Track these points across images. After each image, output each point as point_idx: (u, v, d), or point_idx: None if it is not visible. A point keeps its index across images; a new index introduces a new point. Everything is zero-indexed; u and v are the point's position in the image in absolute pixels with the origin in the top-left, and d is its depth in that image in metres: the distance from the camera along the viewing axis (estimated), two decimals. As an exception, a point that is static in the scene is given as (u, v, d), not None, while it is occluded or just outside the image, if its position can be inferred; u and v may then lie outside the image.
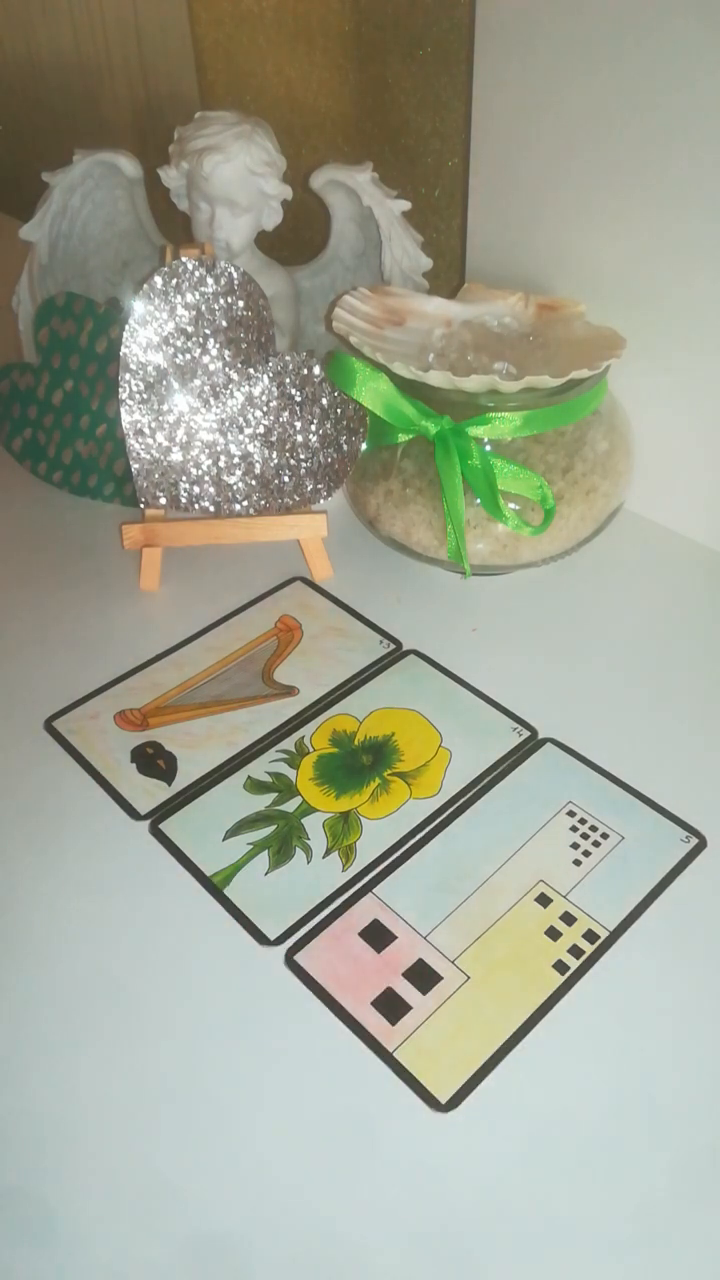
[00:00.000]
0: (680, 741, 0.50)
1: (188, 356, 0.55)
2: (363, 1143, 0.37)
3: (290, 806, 0.48)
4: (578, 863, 0.45)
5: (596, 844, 0.46)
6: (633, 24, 0.51)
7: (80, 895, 0.45)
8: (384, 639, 0.56)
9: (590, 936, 0.42)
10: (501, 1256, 0.34)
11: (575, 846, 0.46)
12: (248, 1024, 0.40)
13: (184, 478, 0.58)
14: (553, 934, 0.43)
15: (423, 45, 0.68)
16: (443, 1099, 0.38)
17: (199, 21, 0.80)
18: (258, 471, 0.58)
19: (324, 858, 0.46)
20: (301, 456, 0.57)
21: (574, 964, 0.41)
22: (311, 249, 0.71)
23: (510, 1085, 0.38)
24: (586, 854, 0.45)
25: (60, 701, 0.53)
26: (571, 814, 0.47)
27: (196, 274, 0.54)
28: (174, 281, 0.54)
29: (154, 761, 0.50)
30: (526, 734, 0.51)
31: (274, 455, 0.57)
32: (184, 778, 0.49)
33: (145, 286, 0.54)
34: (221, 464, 0.57)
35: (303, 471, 0.58)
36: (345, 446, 0.57)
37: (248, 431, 0.57)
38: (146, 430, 0.57)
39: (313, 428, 0.57)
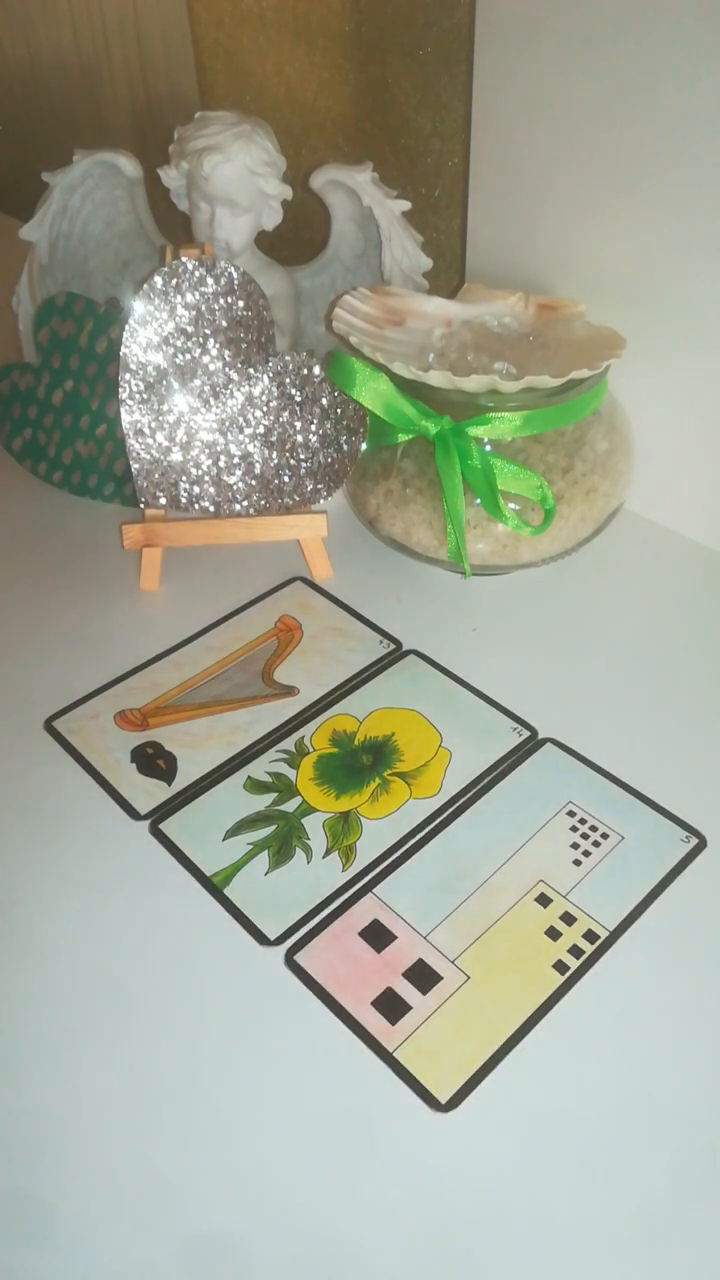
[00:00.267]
0: (680, 741, 0.50)
1: (188, 356, 0.55)
2: (363, 1143, 0.37)
3: (290, 806, 0.48)
4: (578, 863, 0.45)
5: (596, 844, 0.46)
6: (632, 24, 0.51)
7: (80, 895, 0.45)
8: (384, 639, 0.56)
9: (590, 936, 0.42)
10: (501, 1256, 0.34)
11: (575, 846, 0.46)
12: (248, 1024, 0.40)
13: (184, 478, 0.58)
14: (553, 934, 0.43)
15: (423, 45, 0.68)
16: (443, 1099, 0.38)
17: (199, 21, 0.80)
18: (258, 471, 0.58)
19: (324, 858, 0.46)
20: (301, 456, 0.57)
21: (574, 964, 0.41)
22: (311, 249, 0.71)
23: (510, 1085, 0.38)
24: (586, 854, 0.45)
25: (60, 701, 0.53)
26: (571, 814, 0.47)
27: (196, 274, 0.54)
28: (174, 281, 0.54)
29: (154, 761, 0.50)
30: (526, 734, 0.51)
31: (274, 455, 0.57)
32: (184, 778, 0.49)
33: (145, 286, 0.54)
34: (221, 464, 0.57)
35: (303, 471, 0.58)
36: (345, 446, 0.57)
37: (248, 431, 0.57)
38: (146, 430, 0.57)
39: (313, 428, 0.57)
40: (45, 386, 0.64)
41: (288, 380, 0.56)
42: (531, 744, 0.50)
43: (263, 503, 0.58)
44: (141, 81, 0.86)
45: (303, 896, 0.44)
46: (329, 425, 0.57)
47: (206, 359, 0.56)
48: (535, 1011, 0.40)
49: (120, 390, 0.56)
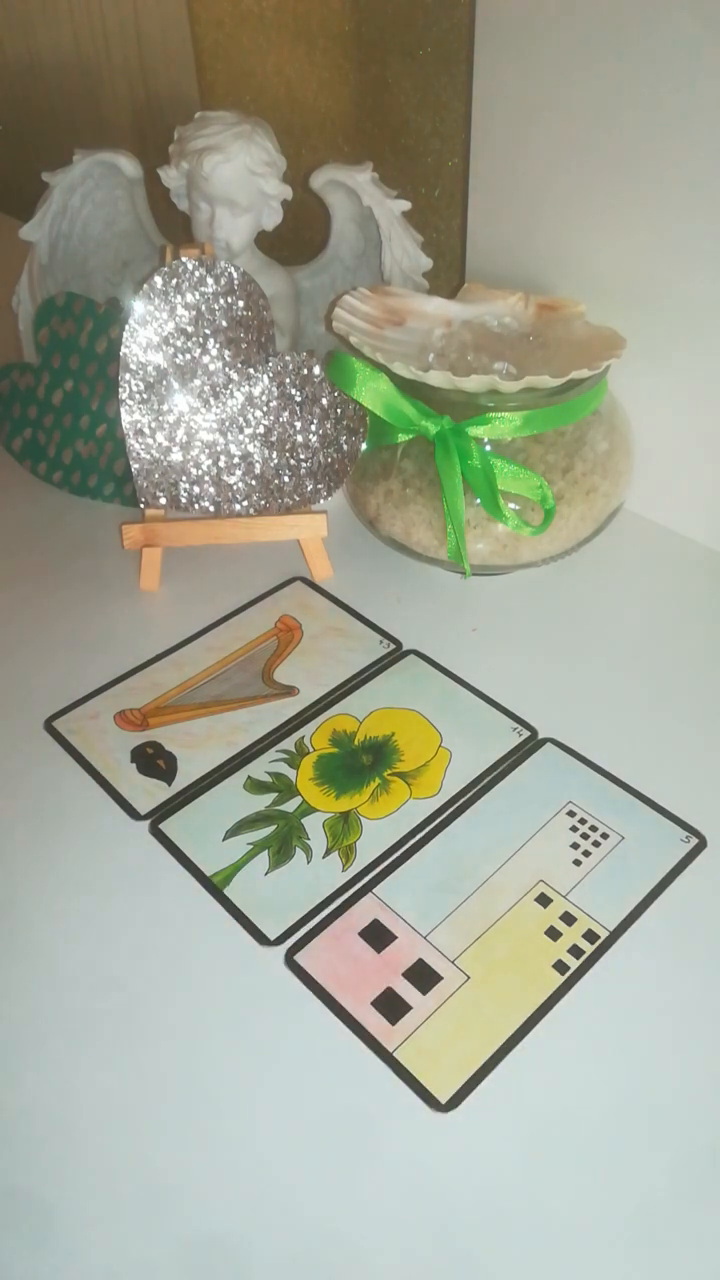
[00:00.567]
0: (680, 741, 0.50)
1: (188, 356, 0.55)
2: (363, 1143, 0.37)
3: (290, 806, 0.48)
4: (578, 863, 0.45)
5: (596, 844, 0.46)
6: (632, 24, 0.51)
7: (80, 895, 0.45)
8: (384, 639, 0.56)
9: (590, 936, 0.42)
10: (501, 1256, 0.34)
11: (575, 846, 0.46)
12: (248, 1024, 0.40)
13: (184, 478, 0.58)
14: (553, 934, 0.43)
15: (423, 45, 0.68)
16: (443, 1099, 0.38)
17: (199, 21, 0.80)
18: (258, 471, 0.58)
19: (324, 858, 0.46)
20: (301, 456, 0.57)
21: (574, 964, 0.41)
22: (311, 249, 0.71)
23: (510, 1085, 0.38)
24: (586, 854, 0.45)
25: (60, 701, 0.53)
26: (571, 814, 0.47)
27: (196, 274, 0.54)
28: (174, 281, 0.54)
29: (154, 761, 0.50)
30: (526, 734, 0.51)
31: (274, 455, 0.57)
32: (184, 778, 0.49)
33: (145, 286, 0.54)
34: (221, 464, 0.57)
35: (303, 471, 0.58)
36: (345, 446, 0.57)
37: (248, 431, 0.57)
38: (146, 430, 0.57)
39: (313, 428, 0.57)
40: (45, 386, 0.64)
41: (288, 380, 0.56)
42: (531, 744, 0.50)
43: (263, 503, 0.58)
44: (141, 81, 0.86)
45: (303, 896, 0.44)
46: (329, 425, 0.57)
47: (206, 359, 0.56)
48: (535, 1011, 0.40)
49: (120, 390, 0.56)
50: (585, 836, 0.46)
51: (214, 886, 0.45)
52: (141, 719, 0.52)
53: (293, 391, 0.56)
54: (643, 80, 0.52)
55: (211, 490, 0.58)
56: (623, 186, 0.56)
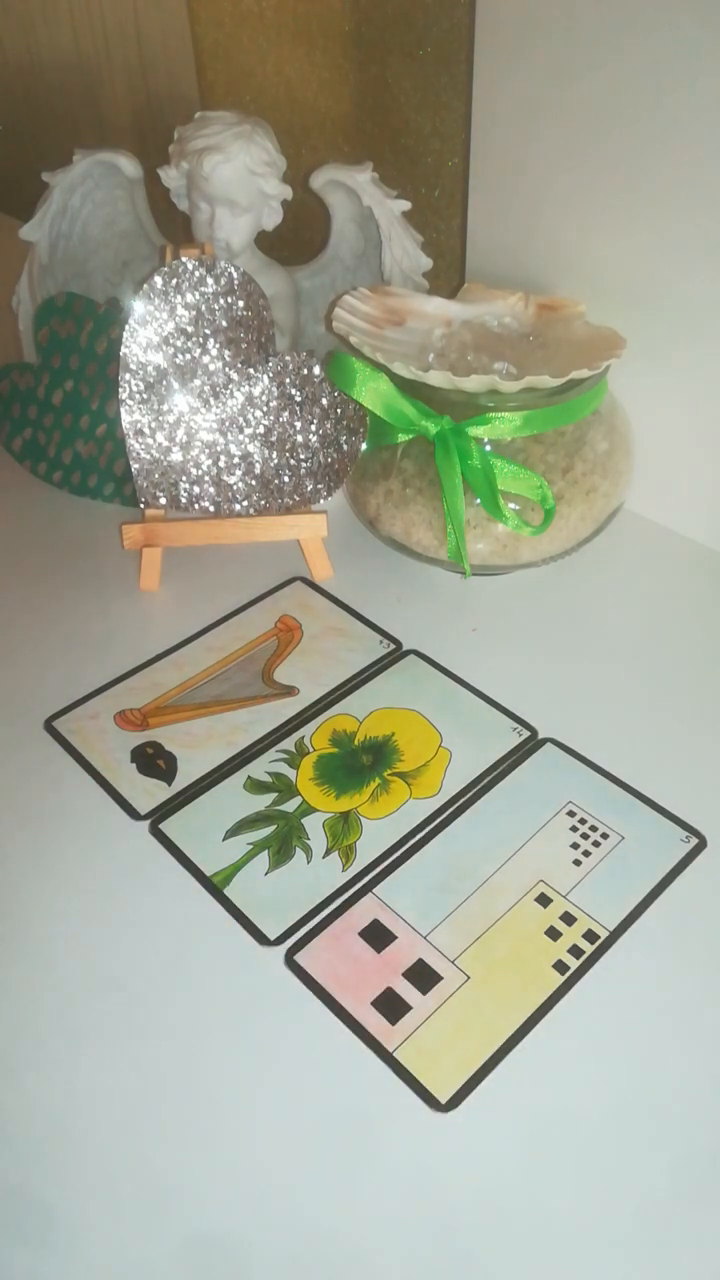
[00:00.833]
0: (680, 741, 0.50)
1: (188, 356, 0.55)
2: (362, 1143, 0.37)
3: (290, 806, 0.48)
4: (578, 863, 0.45)
5: (596, 844, 0.46)
6: (632, 24, 0.51)
7: (80, 895, 0.45)
8: (384, 639, 0.56)
9: (590, 936, 0.42)
10: (501, 1256, 0.34)
11: (575, 846, 0.46)
12: (247, 1024, 0.40)
13: (184, 478, 0.58)
14: (553, 934, 0.43)
15: (423, 45, 0.68)
16: (443, 1099, 0.38)
17: (199, 21, 0.80)
18: (258, 471, 0.58)
19: (324, 858, 0.46)
20: (301, 456, 0.57)
21: (574, 964, 0.41)
22: (311, 249, 0.71)
23: (510, 1085, 0.38)
24: (586, 854, 0.45)
25: (60, 701, 0.53)
26: (571, 814, 0.47)
27: (196, 274, 0.54)
28: (174, 281, 0.54)
29: (154, 761, 0.50)
30: (526, 734, 0.51)
31: (274, 455, 0.57)
32: (184, 778, 0.49)
33: (145, 286, 0.54)
34: (221, 464, 0.57)
35: (303, 471, 0.58)
36: (345, 446, 0.57)
37: (248, 431, 0.57)
38: (146, 430, 0.57)
39: (313, 428, 0.57)
40: (45, 386, 0.64)
41: (288, 380, 0.56)
42: (531, 744, 0.50)
43: (263, 503, 0.58)
44: (141, 81, 0.86)
45: (303, 896, 0.44)
46: (329, 425, 0.57)
47: (206, 359, 0.56)
48: (535, 1011, 0.40)
49: (120, 390, 0.56)
50: (585, 836, 0.46)
51: (214, 886, 0.45)
52: (141, 719, 0.52)
53: (293, 391, 0.56)
54: (643, 80, 0.52)
55: (211, 490, 0.58)
56: (623, 186, 0.56)
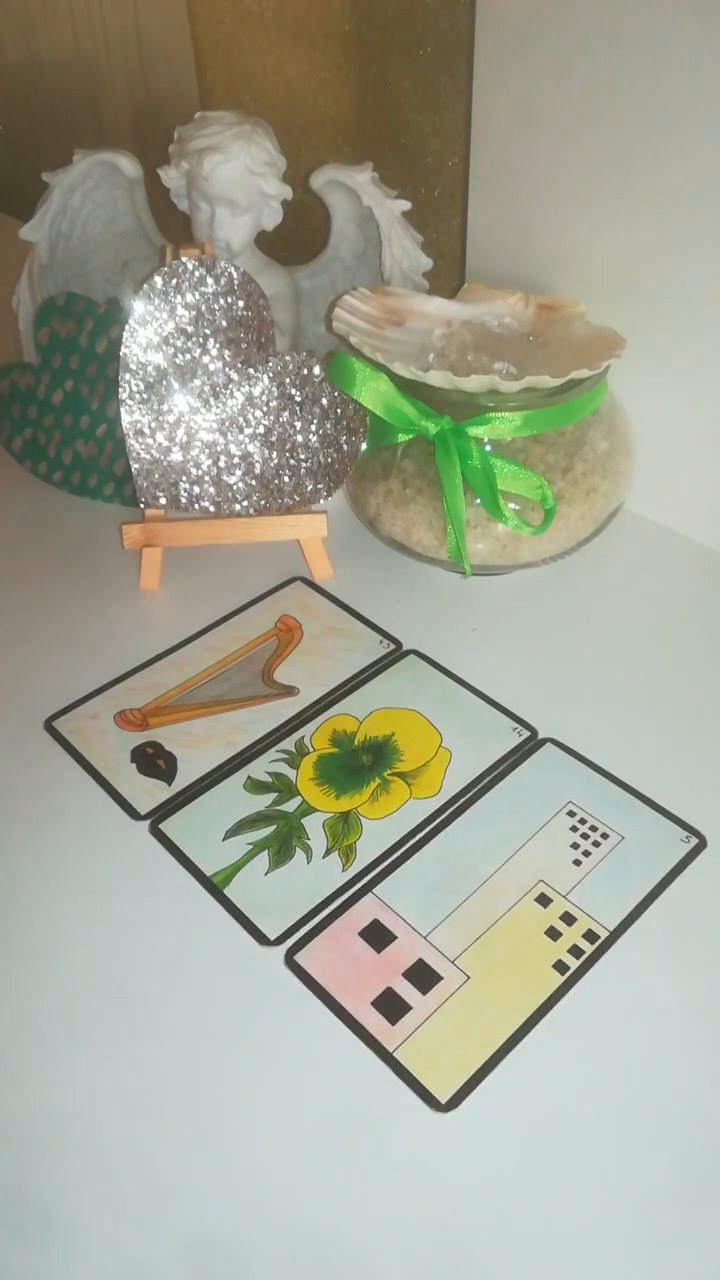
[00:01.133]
0: (680, 741, 0.50)
1: (188, 356, 0.55)
2: (362, 1143, 0.37)
3: (290, 806, 0.48)
4: (578, 863, 0.45)
5: (596, 844, 0.46)
6: (632, 24, 0.51)
7: (80, 895, 0.45)
8: (384, 639, 0.56)
9: (590, 936, 0.42)
10: (501, 1256, 0.34)
11: (575, 846, 0.46)
12: (248, 1024, 0.40)
13: (184, 478, 0.58)
14: (553, 934, 0.43)
15: (423, 45, 0.68)
16: (443, 1099, 0.38)
17: (199, 21, 0.80)
18: (258, 471, 0.58)
19: (324, 858, 0.46)
20: (301, 456, 0.57)
21: (574, 964, 0.41)
22: (311, 249, 0.71)
23: (510, 1085, 0.38)
24: (586, 854, 0.45)
25: (60, 701, 0.53)
26: (571, 814, 0.47)
27: (196, 274, 0.54)
28: (174, 281, 0.54)
29: (154, 761, 0.50)
30: (526, 734, 0.51)
31: (274, 455, 0.57)
32: (184, 778, 0.49)
33: (145, 286, 0.54)
34: (221, 464, 0.57)
35: (303, 471, 0.58)
36: (345, 446, 0.57)
37: (248, 431, 0.57)
38: (146, 430, 0.57)
39: (313, 428, 0.57)
40: (45, 386, 0.64)
41: (288, 380, 0.56)
42: (531, 744, 0.50)
43: (263, 503, 0.58)
44: (141, 81, 0.86)
45: (303, 896, 0.44)
46: (329, 425, 0.57)
47: (206, 359, 0.56)
48: (535, 1011, 0.40)
49: (120, 390, 0.56)
50: (585, 836, 0.46)
51: (214, 886, 0.45)
52: (141, 719, 0.52)
53: (293, 391, 0.56)
54: (642, 80, 0.52)
55: (211, 490, 0.58)
56: (622, 186, 0.56)
